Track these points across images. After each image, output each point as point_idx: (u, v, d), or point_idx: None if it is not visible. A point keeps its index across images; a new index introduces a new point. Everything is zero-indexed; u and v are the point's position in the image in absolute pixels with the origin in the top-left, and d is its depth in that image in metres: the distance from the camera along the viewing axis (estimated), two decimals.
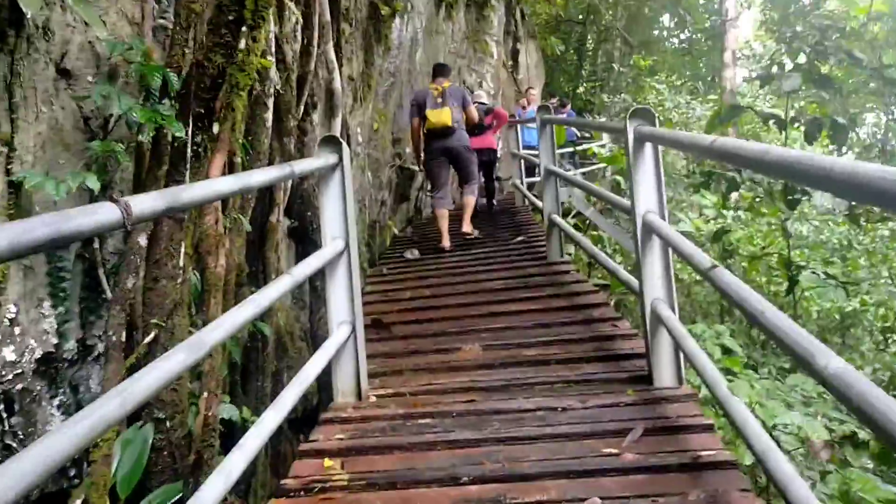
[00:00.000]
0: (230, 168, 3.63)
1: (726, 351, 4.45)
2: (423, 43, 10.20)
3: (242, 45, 3.16)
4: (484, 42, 13.86)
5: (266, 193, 4.34)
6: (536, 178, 11.16)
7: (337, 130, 5.51)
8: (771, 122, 5.65)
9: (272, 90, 4.06)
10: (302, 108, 4.77)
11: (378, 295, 5.85)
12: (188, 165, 3.03)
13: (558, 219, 6.16)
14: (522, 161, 10.92)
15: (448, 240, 7.28)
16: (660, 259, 3.49)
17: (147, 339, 2.89)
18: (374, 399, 3.63)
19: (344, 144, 3.67)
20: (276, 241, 4.28)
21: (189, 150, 3.04)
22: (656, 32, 25.84)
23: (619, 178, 9.61)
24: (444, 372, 3.98)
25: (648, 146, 3.53)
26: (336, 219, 3.67)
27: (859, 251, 8.65)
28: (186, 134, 3.02)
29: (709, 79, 25.49)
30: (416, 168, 9.84)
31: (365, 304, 5.60)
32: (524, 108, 12.58)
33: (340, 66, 5.65)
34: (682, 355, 3.41)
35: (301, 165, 3.28)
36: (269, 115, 4.10)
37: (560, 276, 5.67)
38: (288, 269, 5.04)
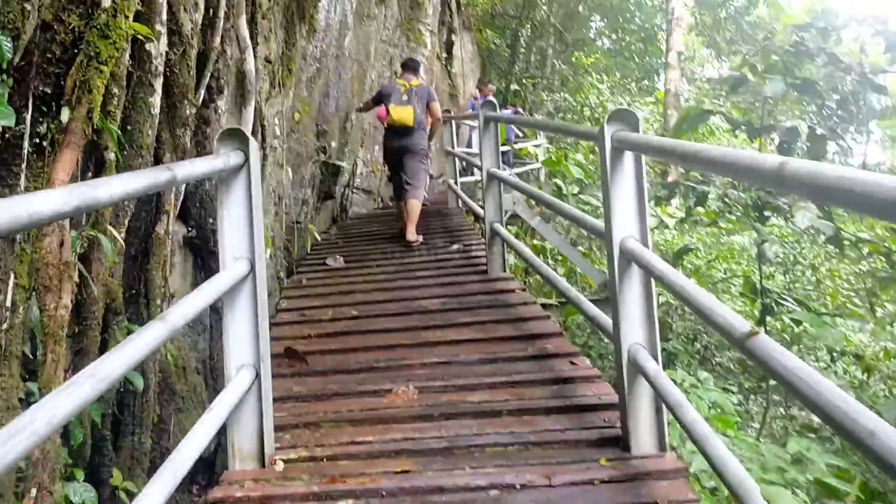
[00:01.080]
0: (98, 168, 2.78)
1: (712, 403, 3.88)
2: (353, 27, 9.37)
3: (107, 2, 2.32)
4: (418, 31, 13.09)
5: (153, 196, 3.46)
6: (472, 178, 10.54)
7: (249, 121, 4.65)
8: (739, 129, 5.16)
9: (159, 69, 3.19)
10: (203, 91, 3.89)
11: (294, 314, 5.04)
12: (24, 164, 2.18)
13: (502, 230, 5.49)
14: (457, 159, 10.22)
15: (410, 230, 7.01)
16: (641, 296, 2.85)
17: None
18: (280, 467, 2.86)
19: (252, 140, 2.87)
20: (164, 257, 3.41)
21: (27, 143, 2.19)
22: (590, 32, 25.55)
23: (559, 182, 9.04)
24: (370, 425, 3.24)
25: (629, 156, 2.89)
26: (240, 234, 2.88)
27: (804, 266, 8.35)
28: (24, 122, 2.17)
29: (642, 80, 25.38)
30: (343, 164, 9.05)
31: (278, 324, 4.80)
32: (476, 98, 11.95)
33: (255, 44, 4.79)
34: (664, 416, 2.80)
35: (188, 168, 2.46)
36: (157, 101, 3.23)
37: (504, 296, 5.00)
38: (183, 289, 4.18)
